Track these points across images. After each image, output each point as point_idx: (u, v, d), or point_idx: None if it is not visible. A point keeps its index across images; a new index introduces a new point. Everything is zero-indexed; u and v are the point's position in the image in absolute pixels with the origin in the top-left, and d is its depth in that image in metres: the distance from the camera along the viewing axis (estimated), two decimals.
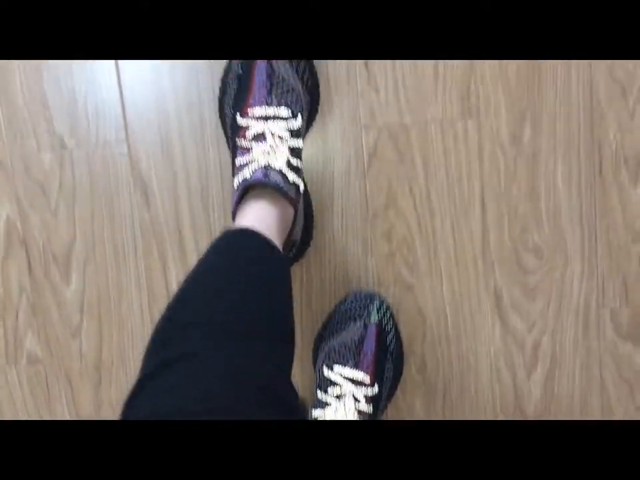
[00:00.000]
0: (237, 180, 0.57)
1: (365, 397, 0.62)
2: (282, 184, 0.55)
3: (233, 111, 0.61)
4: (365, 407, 0.62)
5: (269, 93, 0.59)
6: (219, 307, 0.47)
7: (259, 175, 0.55)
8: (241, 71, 0.61)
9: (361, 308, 0.68)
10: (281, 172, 0.56)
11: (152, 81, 0.67)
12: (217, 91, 0.66)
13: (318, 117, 0.68)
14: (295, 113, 0.60)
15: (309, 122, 0.65)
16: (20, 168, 0.67)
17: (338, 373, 0.64)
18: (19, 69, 0.66)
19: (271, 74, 0.60)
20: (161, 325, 0.47)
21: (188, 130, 0.68)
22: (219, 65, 0.67)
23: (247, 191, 0.57)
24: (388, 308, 0.69)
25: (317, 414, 0.63)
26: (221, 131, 0.68)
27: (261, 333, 0.47)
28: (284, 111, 0.59)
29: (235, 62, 0.63)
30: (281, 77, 0.60)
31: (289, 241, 0.61)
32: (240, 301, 0.48)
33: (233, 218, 0.57)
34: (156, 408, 0.38)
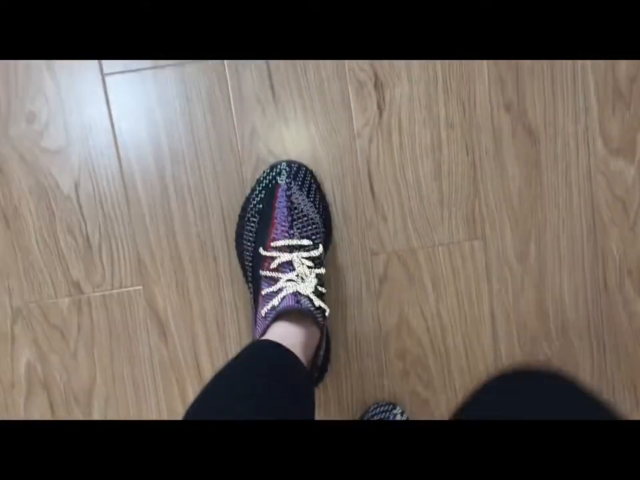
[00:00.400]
0: (266, 308, 0.58)
1: None
2: (313, 309, 0.57)
3: (254, 245, 0.63)
4: None
5: (291, 226, 0.62)
6: (242, 404, 0.46)
7: (290, 301, 0.57)
8: (261, 206, 0.64)
9: (384, 413, 0.70)
10: (309, 297, 0.58)
11: (162, 221, 0.68)
12: (227, 228, 0.68)
13: (330, 245, 0.69)
14: (316, 243, 0.62)
15: (324, 250, 0.67)
16: (38, 314, 0.68)
17: None
18: (31, 217, 0.67)
19: (290, 207, 0.62)
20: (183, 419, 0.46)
21: (201, 265, 0.69)
22: (228, 203, 0.68)
23: (276, 318, 0.58)
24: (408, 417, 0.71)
25: None
26: (233, 264, 0.69)
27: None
28: (306, 242, 0.61)
29: (254, 197, 0.65)
30: (300, 210, 0.63)
31: (313, 365, 0.62)
32: (265, 401, 0.47)
33: None
34: None
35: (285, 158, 0.67)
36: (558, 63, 0.66)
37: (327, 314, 0.60)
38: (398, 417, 0.70)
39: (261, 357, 0.54)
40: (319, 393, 0.73)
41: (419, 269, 0.71)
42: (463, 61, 0.64)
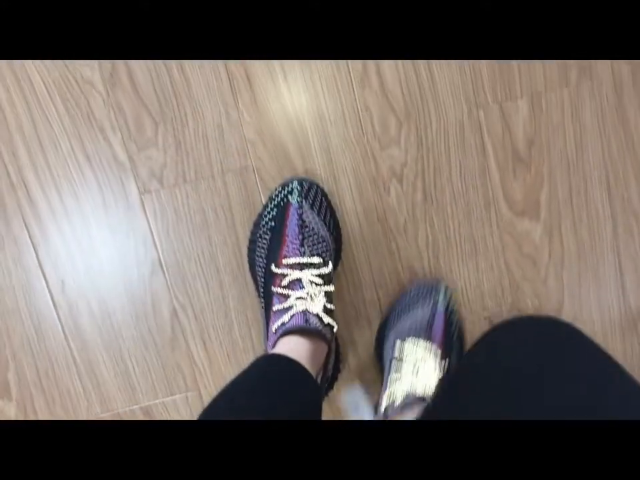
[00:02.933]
0: (276, 325, 0.59)
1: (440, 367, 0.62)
2: (320, 327, 0.59)
3: (266, 261, 0.64)
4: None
5: (302, 244, 0.63)
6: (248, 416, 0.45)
7: (299, 320, 0.58)
8: (273, 224, 0.65)
9: (427, 293, 0.70)
10: (318, 316, 0.60)
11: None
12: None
13: (340, 261, 0.72)
14: (325, 260, 0.63)
15: (334, 267, 0.68)
16: None
17: (412, 344, 0.64)
18: None
19: (301, 225, 0.64)
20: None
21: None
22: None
23: (286, 333, 0.59)
24: (452, 294, 0.71)
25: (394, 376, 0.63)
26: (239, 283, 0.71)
27: None
28: (316, 260, 0.62)
29: (266, 214, 0.66)
30: (311, 228, 0.64)
31: (322, 377, 0.63)
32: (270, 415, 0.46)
33: None
34: None
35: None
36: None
37: (334, 330, 0.61)
38: (440, 298, 0.69)
39: (268, 371, 0.55)
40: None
41: None
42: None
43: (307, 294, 0.61)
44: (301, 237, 0.64)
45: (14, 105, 0.65)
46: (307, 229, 0.65)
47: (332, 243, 0.67)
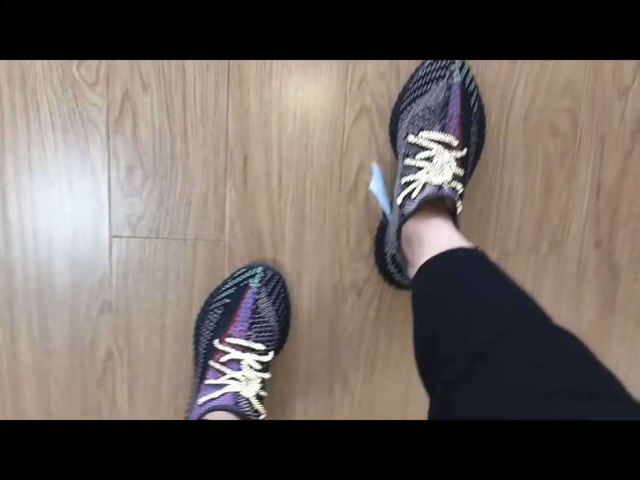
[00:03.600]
0: (204, 398, 0.60)
1: (456, 159, 0.60)
2: (249, 413, 0.60)
3: (212, 334, 0.66)
4: (458, 170, 0.60)
5: (250, 328, 0.65)
6: None
7: (230, 401, 0.60)
8: (228, 301, 0.67)
9: (441, 69, 0.64)
10: (249, 400, 0.61)
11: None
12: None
13: (281, 351, 0.73)
14: (268, 349, 0.65)
15: (275, 355, 0.70)
16: None
17: (425, 137, 0.61)
18: None
19: (254, 310, 0.66)
20: None
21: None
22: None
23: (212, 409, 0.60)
24: (469, 69, 0.65)
25: (407, 179, 0.60)
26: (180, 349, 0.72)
27: None
28: (259, 346, 0.64)
29: (224, 290, 0.68)
30: (262, 316, 0.66)
31: None
32: None
33: None
34: None
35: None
36: None
37: (261, 417, 0.62)
38: (456, 75, 0.63)
39: None
40: None
41: None
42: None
43: (242, 377, 0.62)
44: (251, 321, 0.65)
45: (15, 125, 0.66)
46: (259, 316, 0.66)
47: (278, 334, 0.69)
